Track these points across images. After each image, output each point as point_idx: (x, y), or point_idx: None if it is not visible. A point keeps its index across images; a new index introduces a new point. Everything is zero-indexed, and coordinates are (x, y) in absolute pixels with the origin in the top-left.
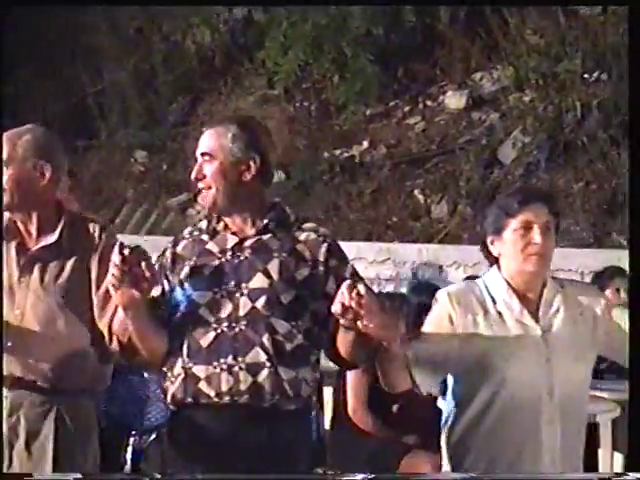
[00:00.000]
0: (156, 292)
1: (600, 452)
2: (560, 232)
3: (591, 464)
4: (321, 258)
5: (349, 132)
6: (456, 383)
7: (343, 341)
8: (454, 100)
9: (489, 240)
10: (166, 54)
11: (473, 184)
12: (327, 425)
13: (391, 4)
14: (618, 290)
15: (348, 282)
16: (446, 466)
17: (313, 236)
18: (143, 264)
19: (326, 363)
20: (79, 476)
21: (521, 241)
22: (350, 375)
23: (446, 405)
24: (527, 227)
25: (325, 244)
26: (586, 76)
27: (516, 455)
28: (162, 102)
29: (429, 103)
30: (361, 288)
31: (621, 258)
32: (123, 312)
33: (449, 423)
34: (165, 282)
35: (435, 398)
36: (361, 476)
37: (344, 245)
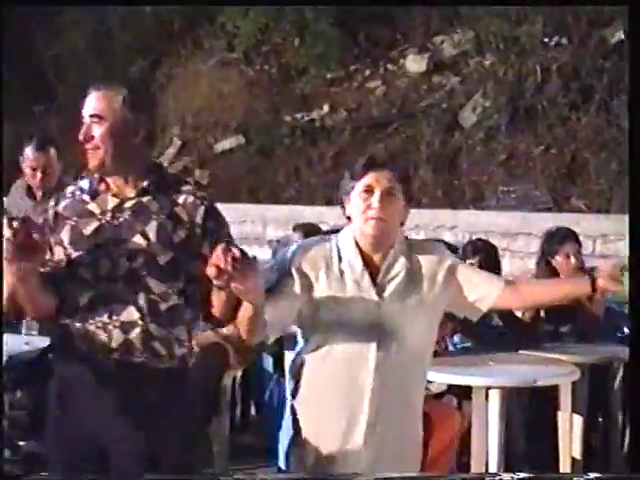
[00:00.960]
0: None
1: (560, 415)
2: (520, 196)
3: (552, 427)
4: (198, 220)
5: (310, 96)
6: (300, 334)
7: (216, 301)
8: (415, 64)
9: (343, 200)
10: (124, 16)
11: (434, 148)
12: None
13: None
14: (568, 255)
15: (223, 245)
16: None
17: (191, 199)
18: (34, 234)
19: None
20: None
21: (363, 204)
22: None
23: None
24: (368, 191)
25: (203, 207)
26: (546, 40)
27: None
28: (120, 65)
29: (390, 67)
30: (236, 251)
31: (580, 222)
32: (18, 284)
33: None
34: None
35: None
36: (374, 476)
37: (305, 209)
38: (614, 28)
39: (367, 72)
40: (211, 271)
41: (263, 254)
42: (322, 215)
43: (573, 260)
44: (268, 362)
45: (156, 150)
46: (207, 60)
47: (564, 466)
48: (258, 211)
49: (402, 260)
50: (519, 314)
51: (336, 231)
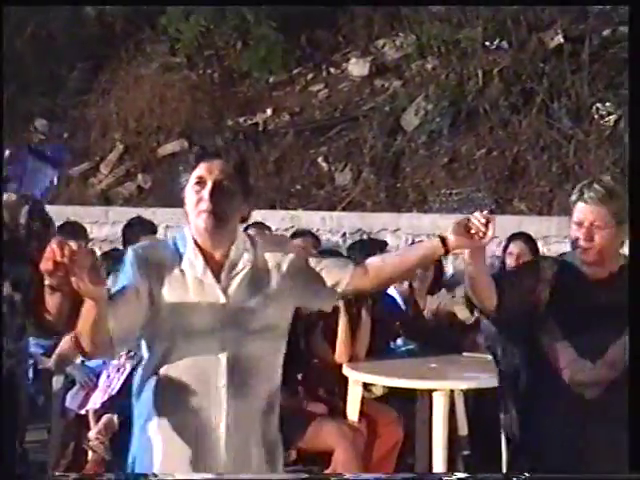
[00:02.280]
0: None
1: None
2: (462, 199)
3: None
4: (22, 221)
5: (252, 100)
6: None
7: (50, 304)
8: (357, 67)
9: (182, 197)
10: (66, 20)
11: (376, 151)
12: None
13: None
14: (512, 254)
15: (58, 239)
16: None
17: (13, 198)
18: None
19: None
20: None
21: (195, 197)
22: None
23: None
24: (200, 182)
25: (27, 206)
26: (487, 44)
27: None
28: (63, 68)
29: (332, 70)
30: (72, 244)
31: (522, 223)
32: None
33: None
34: None
35: (341, 366)
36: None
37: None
38: (553, 31)
39: (310, 76)
40: (46, 265)
41: None
42: (265, 219)
43: (518, 259)
44: None
45: (98, 154)
46: (149, 64)
47: (507, 467)
48: None
49: (246, 255)
50: (461, 316)
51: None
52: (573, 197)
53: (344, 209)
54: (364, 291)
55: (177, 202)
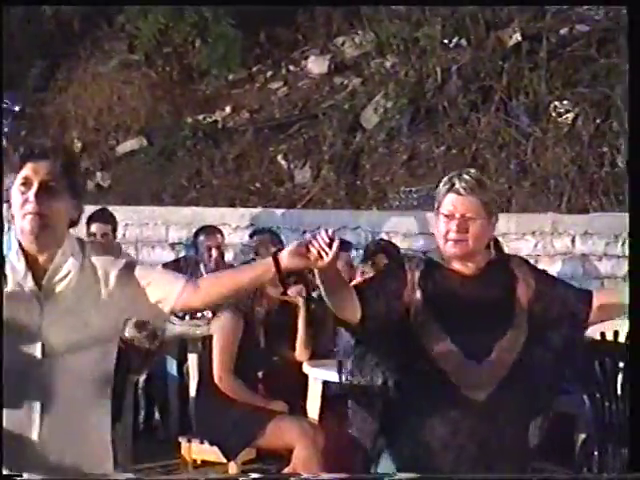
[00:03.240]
0: None
1: None
2: (422, 196)
3: None
4: None
5: (211, 97)
6: None
7: None
8: (316, 65)
9: (8, 197)
10: (23, 18)
11: (336, 149)
12: (193, 392)
13: None
14: (374, 264)
15: None
16: None
17: None
18: None
19: (193, 330)
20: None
21: (20, 198)
22: (215, 342)
23: None
24: (26, 183)
25: None
26: (446, 42)
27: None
28: (20, 67)
29: (292, 68)
30: None
31: None
32: None
33: None
34: None
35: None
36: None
37: (208, 211)
38: (511, 30)
39: (269, 73)
40: None
41: (166, 257)
42: (224, 217)
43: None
44: (172, 366)
45: None
46: (108, 62)
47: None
48: (160, 213)
49: (72, 260)
50: None
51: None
52: (441, 188)
53: (304, 207)
54: (195, 308)
55: (136, 200)
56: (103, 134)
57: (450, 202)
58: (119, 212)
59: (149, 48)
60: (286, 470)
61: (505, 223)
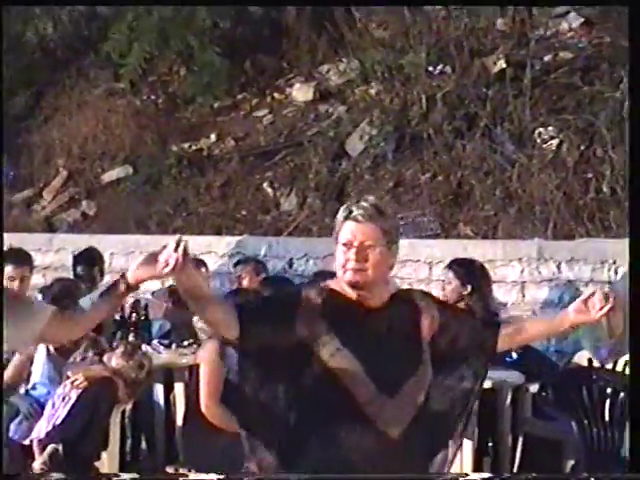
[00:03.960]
0: None
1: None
2: (408, 223)
3: None
4: None
5: (197, 125)
6: None
7: None
8: (301, 93)
9: None
10: (7, 46)
11: (322, 176)
12: (179, 421)
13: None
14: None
15: None
16: None
17: None
18: None
19: (179, 359)
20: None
21: None
22: (202, 371)
23: None
24: None
25: None
26: (430, 69)
27: None
28: (4, 95)
29: (277, 96)
30: None
31: (467, 247)
32: None
33: None
34: None
35: None
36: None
37: (194, 239)
38: (496, 57)
39: (254, 101)
40: None
41: (153, 286)
42: (211, 245)
43: (450, 287)
44: (158, 395)
45: (42, 181)
46: (93, 90)
47: None
48: (146, 241)
49: None
50: None
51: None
52: (339, 217)
53: (290, 234)
54: (65, 339)
55: (122, 229)
56: (89, 162)
57: (348, 230)
58: (104, 241)
59: (134, 76)
60: None
61: (491, 249)
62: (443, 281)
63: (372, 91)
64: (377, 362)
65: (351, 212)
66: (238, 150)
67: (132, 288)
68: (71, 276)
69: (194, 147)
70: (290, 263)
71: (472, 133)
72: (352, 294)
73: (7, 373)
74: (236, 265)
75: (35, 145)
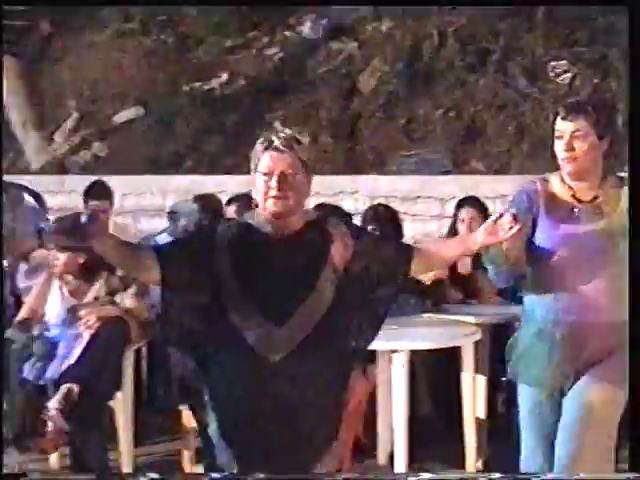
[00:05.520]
0: None
1: (463, 375)
2: (420, 160)
3: (456, 388)
4: None
5: (208, 64)
6: None
7: None
8: (312, 30)
9: None
10: None
11: (333, 114)
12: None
13: None
14: (464, 221)
15: None
16: None
17: None
18: None
19: None
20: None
21: None
22: None
23: None
24: None
25: None
26: (442, 4)
27: None
28: (14, 35)
29: (288, 33)
30: None
31: (479, 184)
32: None
33: None
34: None
35: None
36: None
37: (206, 179)
38: None
39: (265, 39)
40: None
41: (163, 225)
42: (222, 184)
43: (470, 225)
44: None
45: (53, 123)
46: (103, 31)
47: (468, 426)
48: (158, 182)
49: None
50: (421, 277)
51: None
52: (258, 147)
53: None
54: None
55: (134, 170)
56: (100, 104)
57: (268, 160)
58: (116, 181)
59: (144, 16)
60: None
61: (503, 185)
62: (455, 217)
63: (383, 27)
64: (269, 294)
65: (271, 142)
66: (249, 89)
67: None
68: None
69: (205, 87)
70: None
71: (484, 68)
72: (266, 226)
73: (21, 314)
74: (229, 203)
75: (46, 88)
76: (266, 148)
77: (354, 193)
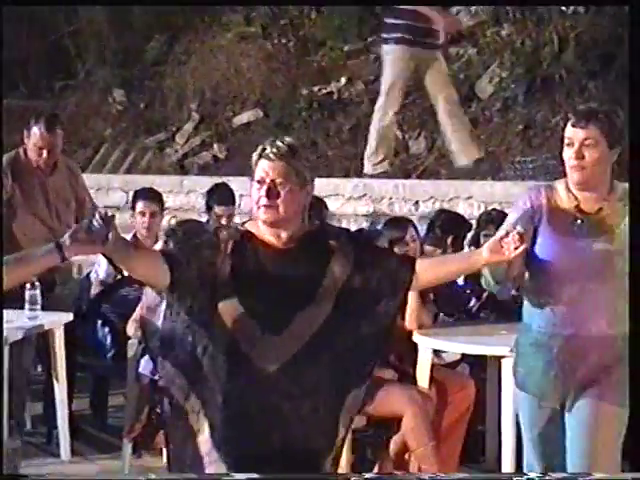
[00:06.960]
0: None
1: None
2: (538, 166)
3: None
4: None
5: (327, 68)
6: None
7: None
8: None
9: None
10: None
11: None
12: None
13: None
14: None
15: None
16: None
17: None
18: None
19: None
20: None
21: None
22: None
23: None
24: None
25: None
26: (563, 9)
27: None
28: (139, 40)
29: None
30: None
31: None
32: None
33: None
34: None
35: (410, 332)
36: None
37: (322, 181)
38: None
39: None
40: None
41: None
42: (337, 187)
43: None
44: None
45: (175, 125)
46: (225, 34)
47: None
48: None
49: None
50: None
51: None
52: (254, 156)
53: (418, 177)
54: None
55: (250, 171)
56: (220, 106)
57: (261, 168)
58: (234, 183)
59: (266, 20)
60: (395, 437)
61: None
62: None
63: (503, 32)
64: (268, 303)
65: (264, 150)
66: (368, 93)
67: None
68: (202, 215)
69: (324, 90)
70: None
71: (606, 74)
72: (266, 234)
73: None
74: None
75: (168, 89)
76: (260, 156)
77: (468, 198)
